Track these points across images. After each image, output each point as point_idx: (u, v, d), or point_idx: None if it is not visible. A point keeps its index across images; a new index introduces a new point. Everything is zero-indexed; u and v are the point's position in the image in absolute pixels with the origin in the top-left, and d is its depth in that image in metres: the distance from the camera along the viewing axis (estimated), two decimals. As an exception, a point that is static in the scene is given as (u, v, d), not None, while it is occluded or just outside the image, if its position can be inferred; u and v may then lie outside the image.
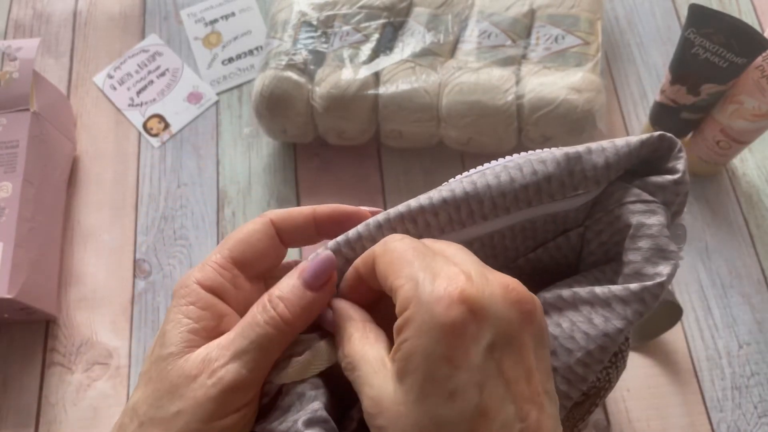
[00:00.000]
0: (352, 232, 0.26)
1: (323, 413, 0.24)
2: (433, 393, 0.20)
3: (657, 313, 0.29)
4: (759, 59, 0.46)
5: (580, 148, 0.26)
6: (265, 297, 0.25)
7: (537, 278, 0.29)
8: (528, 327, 0.21)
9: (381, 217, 0.26)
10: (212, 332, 0.25)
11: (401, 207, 0.26)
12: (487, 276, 0.21)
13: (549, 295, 0.27)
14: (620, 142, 0.26)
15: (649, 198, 0.26)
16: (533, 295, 0.22)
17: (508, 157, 0.27)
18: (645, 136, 0.26)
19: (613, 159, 0.26)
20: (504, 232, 0.27)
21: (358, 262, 0.25)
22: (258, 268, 0.27)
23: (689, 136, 0.56)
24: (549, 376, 0.22)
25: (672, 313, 0.47)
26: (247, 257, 0.26)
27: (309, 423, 0.24)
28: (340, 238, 0.26)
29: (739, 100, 0.48)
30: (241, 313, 0.26)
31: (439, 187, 0.26)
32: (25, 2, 0.68)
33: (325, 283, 0.25)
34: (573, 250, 0.29)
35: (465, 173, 0.27)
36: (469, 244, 0.27)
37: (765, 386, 0.49)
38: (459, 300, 0.20)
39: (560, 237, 0.29)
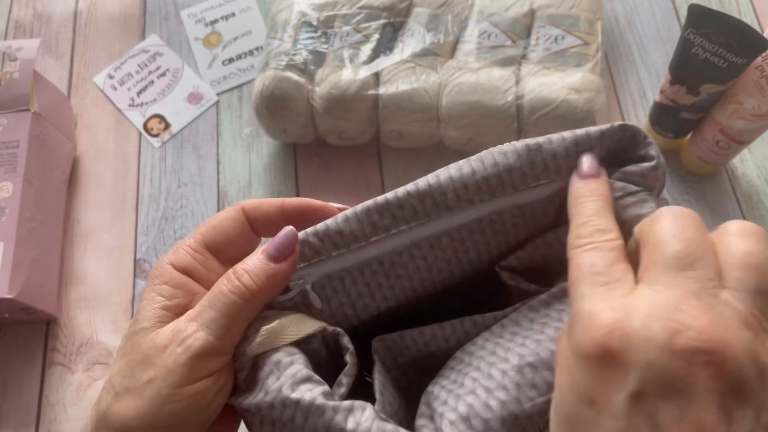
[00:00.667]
0: (320, 225, 0.27)
1: (305, 371, 0.25)
2: None
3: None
4: (759, 59, 0.46)
5: (540, 138, 0.27)
6: (230, 270, 0.26)
7: (532, 275, 0.29)
8: (702, 380, 0.18)
9: (349, 211, 0.27)
10: (184, 309, 0.26)
11: (369, 201, 0.27)
12: (655, 313, 0.19)
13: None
14: (581, 131, 0.27)
15: (635, 188, 0.26)
16: (740, 341, 0.19)
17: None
18: (606, 126, 0.27)
19: (572, 149, 0.26)
20: (472, 225, 0.28)
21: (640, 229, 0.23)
22: (229, 253, 0.28)
23: (689, 136, 0.56)
24: None
25: None
26: (218, 242, 0.28)
27: (294, 385, 0.24)
28: (310, 229, 0.27)
29: (738, 100, 0.48)
30: None
31: (406, 184, 0.27)
32: (26, 2, 0.68)
33: (288, 256, 0.26)
34: (564, 246, 0.29)
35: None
36: (438, 239, 0.28)
37: None
38: (600, 341, 0.19)
39: (549, 233, 0.29)
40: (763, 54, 0.46)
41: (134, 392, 0.24)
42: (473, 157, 0.27)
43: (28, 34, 0.66)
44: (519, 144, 0.27)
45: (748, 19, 0.63)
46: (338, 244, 0.27)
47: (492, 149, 0.27)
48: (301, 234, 0.27)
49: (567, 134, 0.27)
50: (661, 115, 0.55)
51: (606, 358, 0.19)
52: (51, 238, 0.55)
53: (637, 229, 0.23)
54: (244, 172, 0.59)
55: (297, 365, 0.25)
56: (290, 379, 0.25)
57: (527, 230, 0.29)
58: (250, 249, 0.29)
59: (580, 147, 0.26)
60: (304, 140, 0.57)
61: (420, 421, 0.27)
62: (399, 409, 0.29)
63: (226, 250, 0.28)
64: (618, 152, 0.27)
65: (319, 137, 0.57)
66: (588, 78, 0.51)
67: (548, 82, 0.51)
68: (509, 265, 0.29)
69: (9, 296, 0.47)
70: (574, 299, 0.22)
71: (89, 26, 0.66)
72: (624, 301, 0.20)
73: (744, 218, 0.55)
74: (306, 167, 0.59)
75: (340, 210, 0.29)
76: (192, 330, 0.25)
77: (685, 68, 0.49)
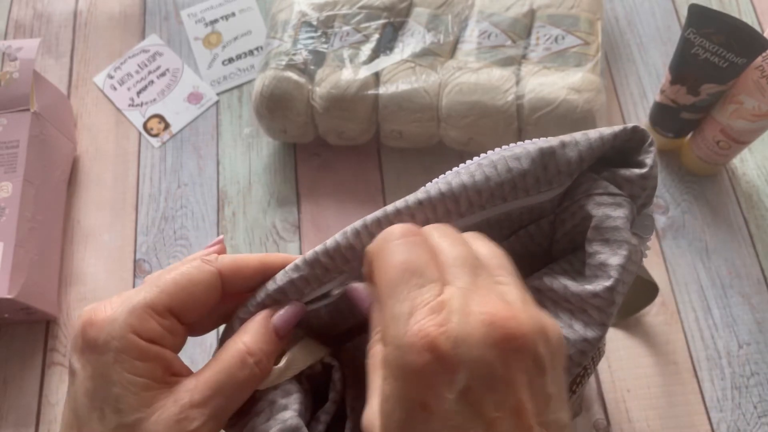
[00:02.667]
0: (330, 241, 0.26)
1: (294, 421, 0.24)
2: None
3: (632, 292, 0.30)
4: (759, 59, 0.46)
5: (553, 141, 0.26)
6: (242, 349, 0.24)
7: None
8: (517, 363, 0.20)
9: (359, 223, 0.26)
10: (162, 380, 0.24)
11: (378, 212, 0.26)
12: (469, 310, 0.20)
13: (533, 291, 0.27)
14: (594, 134, 0.26)
15: (616, 191, 0.26)
16: (532, 320, 0.20)
17: (483, 155, 0.27)
18: (618, 128, 0.26)
19: (586, 153, 0.26)
20: (480, 224, 0.27)
21: (369, 251, 0.24)
22: (192, 318, 0.25)
23: (689, 136, 0.56)
24: (549, 405, 0.21)
25: (648, 290, 0.47)
26: (186, 308, 0.25)
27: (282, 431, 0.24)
28: (319, 247, 0.26)
29: (739, 100, 0.48)
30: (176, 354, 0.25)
31: (415, 192, 0.26)
32: (26, 2, 0.68)
33: (291, 330, 0.25)
34: (546, 238, 0.30)
35: (441, 176, 0.27)
36: None
37: (765, 386, 0.49)
38: (428, 347, 0.19)
39: (531, 225, 0.29)
40: (764, 54, 0.46)
41: None
42: (484, 162, 0.26)
43: (28, 34, 0.66)
44: (531, 147, 0.26)
45: (749, 19, 0.63)
46: (349, 259, 0.26)
47: (503, 153, 0.26)
48: (309, 254, 0.26)
49: (580, 137, 0.26)
50: (662, 115, 0.55)
51: (436, 362, 0.19)
52: (51, 238, 0.55)
53: (371, 252, 0.23)
54: (244, 172, 0.59)
55: (290, 411, 0.25)
56: (280, 424, 0.24)
57: (528, 224, 0.29)
58: (213, 311, 0.27)
59: (594, 151, 0.26)
60: (304, 140, 0.57)
61: None
62: None
63: (190, 315, 0.25)
64: (621, 152, 0.27)
65: (319, 137, 0.57)
66: (588, 78, 0.51)
67: (548, 82, 0.51)
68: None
69: (9, 296, 0.47)
70: (386, 303, 0.21)
71: (89, 26, 0.66)
72: (437, 302, 0.20)
73: (744, 218, 0.55)
74: (306, 167, 0.59)
75: None
76: (201, 421, 0.23)
77: (685, 68, 0.49)
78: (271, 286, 0.26)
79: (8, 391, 0.52)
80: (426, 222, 0.26)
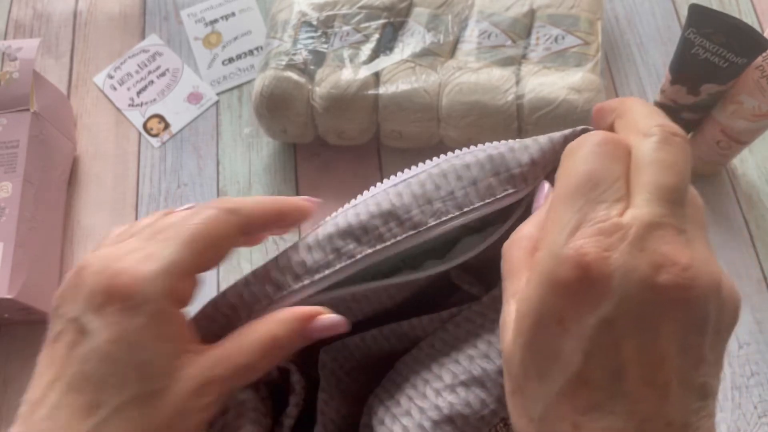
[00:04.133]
0: (282, 256, 0.25)
1: (249, 428, 0.24)
2: (538, 345, 0.20)
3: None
4: (759, 59, 0.46)
5: (502, 147, 0.26)
6: (271, 343, 0.24)
7: (483, 273, 0.29)
8: (676, 313, 0.19)
9: (311, 239, 0.26)
10: (185, 348, 0.23)
11: (330, 227, 0.26)
12: (644, 244, 0.19)
13: None
14: (543, 138, 0.26)
15: None
16: (710, 277, 0.19)
17: (435, 159, 0.27)
18: (568, 130, 0.26)
19: (537, 155, 0.26)
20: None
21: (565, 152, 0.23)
22: (209, 269, 0.25)
23: (689, 136, 0.56)
24: (699, 367, 0.19)
25: None
26: (210, 264, 0.24)
27: None
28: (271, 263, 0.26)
29: (739, 100, 0.48)
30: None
31: (365, 199, 0.26)
32: (25, 2, 0.68)
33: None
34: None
35: (390, 181, 0.27)
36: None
37: (765, 386, 0.49)
38: (584, 266, 0.18)
39: (505, 230, 0.29)
40: (764, 54, 0.46)
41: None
42: (435, 172, 0.26)
43: (28, 34, 0.66)
44: (481, 155, 0.26)
45: (749, 19, 0.63)
46: (300, 275, 0.25)
47: (453, 161, 0.26)
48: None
49: (529, 141, 0.26)
50: (662, 115, 0.54)
51: (585, 282, 0.18)
52: (51, 238, 0.55)
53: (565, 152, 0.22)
54: (244, 172, 0.59)
55: (243, 418, 0.25)
56: None
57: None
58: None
59: (546, 153, 0.26)
60: (304, 140, 0.57)
61: (362, 430, 0.27)
62: (348, 419, 0.29)
63: (210, 267, 0.24)
64: None
65: (319, 137, 0.57)
66: (588, 78, 0.51)
67: (548, 82, 0.51)
68: (463, 260, 0.29)
69: (9, 296, 0.47)
70: (556, 207, 0.20)
71: (89, 26, 0.66)
72: (611, 223, 0.19)
73: (744, 219, 0.55)
74: (306, 167, 0.59)
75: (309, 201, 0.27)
76: (215, 396, 0.23)
77: (685, 68, 0.49)
78: (307, 283, 0.25)
79: (8, 391, 0.52)
80: (379, 237, 0.25)
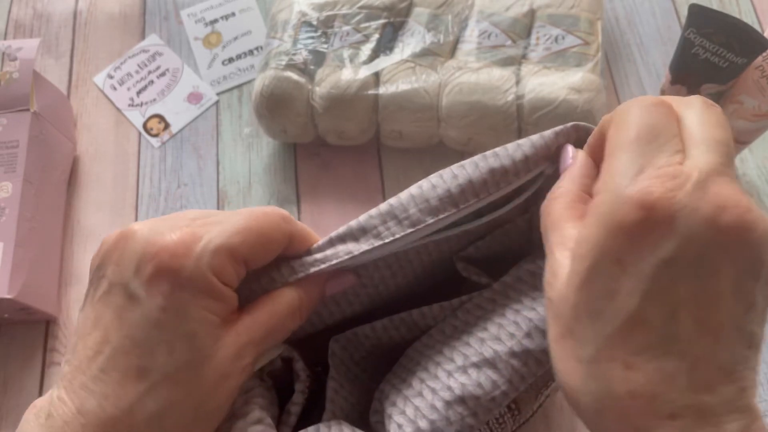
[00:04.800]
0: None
1: (257, 414, 0.25)
2: (594, 286, 0.20)
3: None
4: (759, 59, 0.46)
5: (498, 148, 0.27)
6: (297, 303, 0.26)
7: (489, 265, 0.30)
8: (735, 255, 0.19)
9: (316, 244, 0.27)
10: (228, 318, 0.25)
11: (332, 233, 0.27)
12: (706, 188, 0.19)
13: (527, 275, 0.28)
14: (535, 136, 0.27)
15: None
16: (763, 221, 0.19)
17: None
18: (560, 127, 0.27)
19: (530, 151, 0.27)
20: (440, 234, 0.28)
21: (606, 118, 0.24)
22: (255, 267, 0.26)
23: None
24: (748, 313, 0.20)
25: None
26: (256, 260, 0.25)
27: (243, 428, 0.25)
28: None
29: (739, 100, 0.48)
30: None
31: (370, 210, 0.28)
32: (25, 2, 0.68)
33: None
34: (524, 235, 0.30)
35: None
36: (405, 252, 0.29)
37: (765, 386, 0.49)
38: (645, 206, 0.19)
39: (508, 224, 0.30)
40: (764, 54, 0.46)
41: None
42: (433, 175, 0.27)
43: (28, 34, 0.66)
44: (477, 156, 0.27)
45: (749, 18, 0.63)
46: (296, 269, 0.27)
47: (451, 167, 0.28)
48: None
49: (522, 141, 0.27)
50: (662, 115, 0.54)
51: (647, 221, 0.19)
52: (51, 238, 0.55)
53: (607, 118, 0.23)
54: (244, 172, 0.59)
55: (251, 404, 0.25)
56: (241, 420, 0.25)
57: (494, 224, 0.30)
58: None
59: (538, 150, 0.27)
60: (304, 140, 0.57)
61: (373, 417, 0.28)
62: (356, 407, 0.29)
63: (256, 264, 0.26)
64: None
65: (319, 137, 0.57)
66: (588, 78, 0.51)
67: (548, 82, 0.51)
68: (467, 254, 0.30)
69: (9, 296, 0.47)
70: (617, 156, 0.21)
71: (89, 26, 0.66)
72: (674, 169, 0.20)
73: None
74: (306, 167, 0.59)
75: None
76: (252, 357, 0.25)
77: (685, 68, 0.49)
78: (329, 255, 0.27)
79: (8, 391, 0.52)
80: (377, 235, 0.27)
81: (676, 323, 0.19)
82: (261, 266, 0.26)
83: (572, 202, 0.23)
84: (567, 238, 0.22)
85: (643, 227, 0.19)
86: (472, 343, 0.27)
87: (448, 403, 0.25)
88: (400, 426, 0.26)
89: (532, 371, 0.26)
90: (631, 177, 0.20)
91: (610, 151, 0.22)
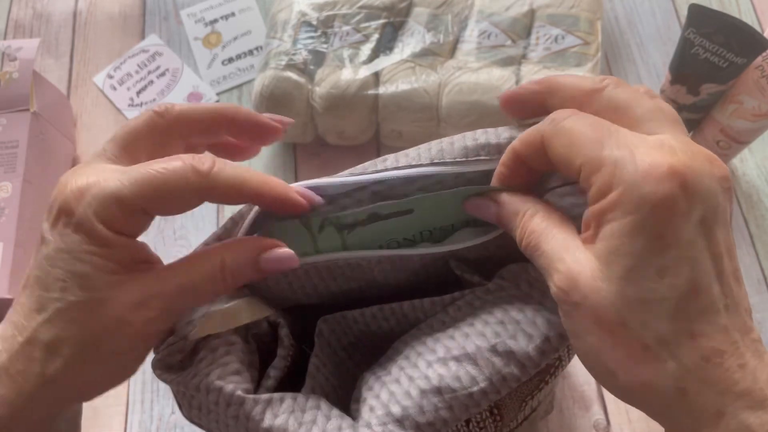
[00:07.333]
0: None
1: (236, 365, 0.26)
2: (641, 270, 0.20)
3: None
4: (759, 59, 0.46)
5: (477, 131, 0.29)
6: (219, 267, 0.25)
7: (482, 264, 0.30)
8: (729, 203, 0.21)
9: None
10: (130, 267, 0.25)
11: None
12: (691, 148, 0.21)
13: (508, 283, 0.28)
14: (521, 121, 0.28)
15: (573, 180, 0.27)
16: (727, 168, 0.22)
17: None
18: (548, 117, 0.28)
19: (517, 133, 0.27)
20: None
21: (516, 144, 0.25)
22: (163, 213, 0.25)
23: (689, 135, 0.56)
24: (733, 253, 0.22)
25: None
26: (157, 208, 0.25)
27: (222, 375, 0.25)
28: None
29: (739, 100, 0.48)
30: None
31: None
32: (25, 2, 0.68)
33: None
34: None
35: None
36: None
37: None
38: (668, 175, 0.20)
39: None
40: (764, 54, 0.46)
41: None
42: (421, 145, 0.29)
43: (28, 34, 0.66)
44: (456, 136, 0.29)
45: (749, 18, 0.63)
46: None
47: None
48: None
49: (509, 126, 0.28)
50: (662, 115, 0.54)
51: (678, 189, 0.20)
52: (51, 238, 0.55)
53: (532, 140, 0.25)
54: (243, 172, 0.59)
55: (231, 356, 0.26)
56: (220, 368, 0.25)
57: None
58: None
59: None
60: (304, 140, 0.57)
61: (353, 405, 0.28)
62: (337, 390, 0.30)
63: (161, 212, 0.25)
64: None
65: (319, 137, 0.57)
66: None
67: (548, 82, 0.51)
68: (461, 255, 0.29)
69: (9, 296, 0.47)
70: (594, 158, 0.21)
71: (89, 26, 0.66)
72: (657, 139, 0.21)
73: (744, 218, 0.55)
74: (306, 167, 0.59)
75: (279, 123, 0.30)
76: (156, 312, 0.24)
77: (685, 68, 0.49)
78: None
79: (8, 391, 0.52)
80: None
81: (721, 279, 0.20)
82: (170, 214, 0.26)
83: (546, 212, 0.24)
84: (569, 242, 0.22)
85: (676, 196, 0.20)
86: (456, 337, 0.27)
87: (423, 392, 0.25)
88: (372, 408, 0.26)
89: (514, 374, 0.25)
90: (630, 161, 0.20)
91: (574, 158, 0.22)
